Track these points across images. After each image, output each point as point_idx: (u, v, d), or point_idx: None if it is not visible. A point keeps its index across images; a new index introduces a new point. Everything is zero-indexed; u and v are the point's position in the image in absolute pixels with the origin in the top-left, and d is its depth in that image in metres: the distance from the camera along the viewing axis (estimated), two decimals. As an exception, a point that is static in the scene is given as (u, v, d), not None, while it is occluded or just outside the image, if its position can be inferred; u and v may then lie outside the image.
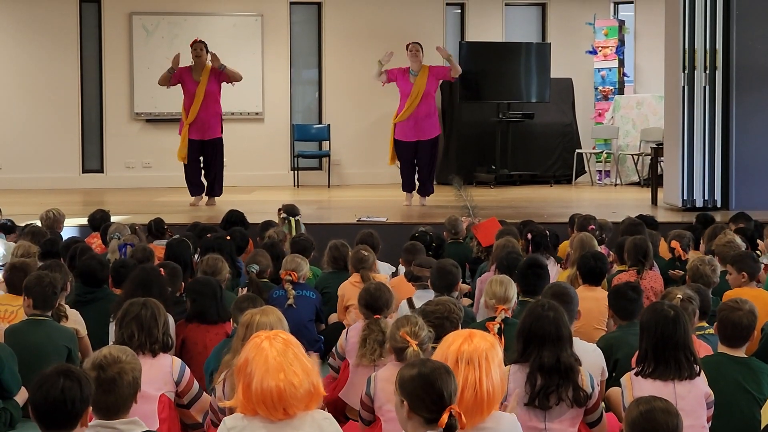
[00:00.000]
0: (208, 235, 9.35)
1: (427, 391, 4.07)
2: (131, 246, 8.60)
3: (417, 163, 14.40)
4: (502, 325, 6.16)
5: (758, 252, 8.92)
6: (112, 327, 6.81)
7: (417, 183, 14.56)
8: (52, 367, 4.09)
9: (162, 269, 7.35)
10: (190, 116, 14.16)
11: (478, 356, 4.40)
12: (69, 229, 11.26)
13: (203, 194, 14.56)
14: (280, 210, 10.88)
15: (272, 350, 4.23)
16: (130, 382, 4.41)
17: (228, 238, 9.11)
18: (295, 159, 18.51)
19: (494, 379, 4.41)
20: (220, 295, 6.96)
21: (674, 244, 8.75)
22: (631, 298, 6.43)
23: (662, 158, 14.62)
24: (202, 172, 14.52)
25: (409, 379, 4.11)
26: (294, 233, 10.17)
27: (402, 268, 8.71)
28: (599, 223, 9.75)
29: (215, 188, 14.56)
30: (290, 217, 10.65)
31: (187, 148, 14.22)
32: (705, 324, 6.40)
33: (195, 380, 5.71)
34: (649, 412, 4.32)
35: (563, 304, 5.68)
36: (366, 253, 8.23)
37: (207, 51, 14.33)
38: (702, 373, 5.30)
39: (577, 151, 18.70)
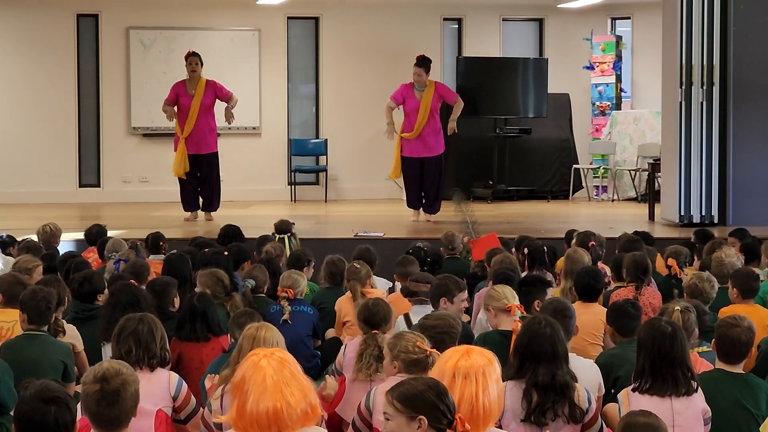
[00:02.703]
0: (205, 249, 9.33)
1: (441, 399, 4.09)
2: (125, 261, 8.58)
3: (423, 180, 14.35)
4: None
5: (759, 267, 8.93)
6: (103, 351, 6.81)
7: (422, 200, 14.53)
8: (35, 392, 4.08)
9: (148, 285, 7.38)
10: (186, 131, 14.15)
11: (475, 372, 4.39)
12: (66, 244, 11.25)
13: (198, 210, 14.53)
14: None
15: (269, 369, 4.19)
16: (133, 395, 4.41)
17: (225, 253, 9.10)
18: (293, 174, 18.50)
19: (491, 394, 4.40)
20: (212, 312, 6.94)
21: (671, 262, 8.73)
22: (633, 315, 6.41)
23: (659, 174, 14.62)
24: (197, 188, 14.50)
25: (421, 392, 4.11)
26: (289, 250, 10.17)
27: (398, 284, 8.70)
28: (599, 240, 9.75)
29: (213, 203, 14.53)
30: (280, 235, 10.65)
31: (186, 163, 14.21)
32: (703, 341, 6.38)
33: (192, 395, 5.70)
34: (629, 426, 4.34)
35: (562, 320, 5.69)
36: (358, 266, 8.22)
37: (201, 64, 14.32)
38: (699, 389, 5.30)
39: (575, 166, 18.70)
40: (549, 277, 8.64)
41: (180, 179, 14.39)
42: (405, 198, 14.88)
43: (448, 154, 18.39)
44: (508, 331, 6.26)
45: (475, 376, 4.38)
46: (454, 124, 14.45)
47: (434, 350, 5.15)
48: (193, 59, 14.29)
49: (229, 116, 14.34)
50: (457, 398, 4.29)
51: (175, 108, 14.22)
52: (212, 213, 14.51)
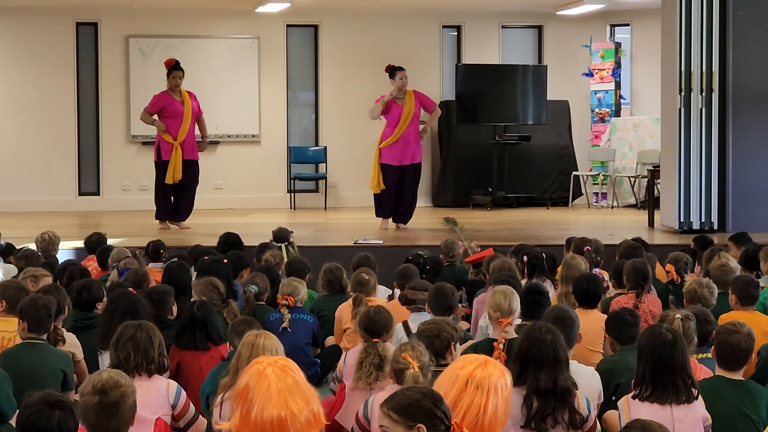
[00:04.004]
0: (205, 257, 9.33)
1: (438, 405, 4.07)
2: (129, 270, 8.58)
3: (401, 189, 14.29)
4: (506, 342, 6.13)
5: (759, 273, 8.93)
6: (100, 359, 6.80)
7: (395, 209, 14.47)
8: (39, 397, 4.08)
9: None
10: (180, 136, 14.15)
11: (488, 384, 4.36)
12: (65, 252, 11.24)
13: (168, 220, 14.50)
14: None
15: (274, 377, 4.17)
16: (131, 406, 4.43)
17: (225, 260, 9.09)
18: (292, 181, 18.51)
19: (499, 409, 4.38)
20: (212, 321, 6.93)
21: (669, 267, 8.73)
22: (631, 323, 6.39)
23: (659, 180, 14.62)
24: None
25: (416, 400, 4.09)
26: (287, 258, 10.17)
27: (398, 292, 8.68)
28: (596, 246, 9.74)
29: (188, 212, 14.57)
30: (278, 243, 10.66)
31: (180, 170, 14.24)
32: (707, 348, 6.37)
33: (191, 403, 5.69)
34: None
35: (565, 328, 5.69)
36: (367, 277, 8.19)
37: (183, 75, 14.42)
38: (700, 396, 5.29)
39: (574, 173, 18.70)
40: (548, 284, 8.65)
41: (164, 186, 14.35)
42: (375, 207, 14.66)
43: (447, 161, 18.53)
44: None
45: (488, 388, 4.35)
46: (427, 128, 14.37)
47: (416, 364, 5.12)
48: (178, 73, 14.28)
49: (203, 144, 14.51)
50: (465, 406, 4.28)
51: (156, 117, 14.24)
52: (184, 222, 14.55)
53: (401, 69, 14.28)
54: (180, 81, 14.28)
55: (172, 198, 14.52)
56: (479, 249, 10.54)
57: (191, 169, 14.39)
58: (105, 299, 7.49)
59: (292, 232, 11.08)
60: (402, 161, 14.14)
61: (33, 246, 10.42)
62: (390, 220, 14.48)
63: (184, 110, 14.17)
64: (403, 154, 14.12)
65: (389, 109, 14.19)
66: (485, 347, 6.21)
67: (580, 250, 9.35)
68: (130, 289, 7.35)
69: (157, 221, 14.56)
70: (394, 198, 14.37)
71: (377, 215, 14.57)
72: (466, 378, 4.37)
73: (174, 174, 14.20)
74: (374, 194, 14.51)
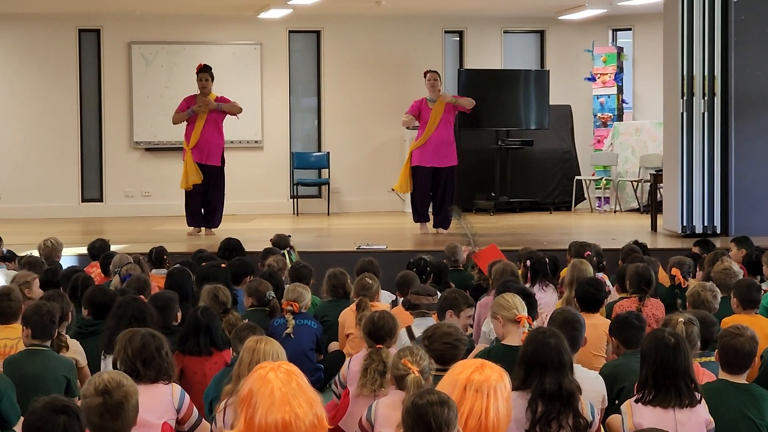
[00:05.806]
0: (203, 263, 9.33)
1: (417, 422, 4.11)
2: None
3: (434, 192, 14.31)
4: None
5: (762, 277, 8.92)
6: (103, 364, 6.80)
7: (431, 213, 14.48)
8: (45, 403, 4.08)
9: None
10: (192, 141, 14.14)
11: (487, 387, 4.38)
12: (68, 258, 11.26)
13: (201, 226, 14.48)
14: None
15: (277, 381, 4.18)
16: (134, 406, 4.44)
17: (223, 266, 9.08)
18: (295, 187, 18.52)
19: (500, 411, 4.39)
20: (216, 326, 6.93)
21: (674, 271, 8.72)
22: (637, 327, 6.38)
23: (661, 184, 14.63)
24: (202, 203, 14.45)
25: (406, 408, 4.16)
26: (289, 263, 10.18)
27: (401, 299, 8.68)
28: (596, 250, 9.74)
29: (214, 219, 14.48)
30: (280, 250, 10.65)
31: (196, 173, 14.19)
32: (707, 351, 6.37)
33: (195, 407, 5.71)
34: None
35: (573, 331, 5.69)
36: (370, 281, 8.18)
37: (212, 79, 14.31)
38: (703, 400, 5.29)
39: (577, 177, 18.71)
40: (551, 288, 8.64)
41: (186, 191, 14.37)
42: (411, 211, 14.78)
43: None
44: (513, 346, 6.21)
45: (487, 391, 4.37)
46: (452, 98, 14.30)
47: (416, 368, 5.13)
48: (203, 75, 14.27)
49: (208, 103, 14.25)
50: (466, 411, 4.29)
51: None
52: (213, 228, 14.45)
53: (429, 71, 14.35)
54: (206, 83, 14.26)
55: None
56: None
57: (210, 174, 14.31)
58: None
59: (289, 236, 11.05)
60: (432, 163, 14.12)
61: (36, 253, 10.42)
62: (429, 224, 14.46)
63: (198, 114, 14.16)
64: (433, 156, 14.10)
65: (421, 112, 14.22)
66: (498, 353, 6.20)
67: (580, 255, 9.34)
68: (141, 297, 7.36)
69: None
70: (427, 202, 14.40)
71: (414, 221, 14.58)
72: (464, 383, 4.39)
73: (187, 179, 14.18)
74: (411, 200, 14.57)
